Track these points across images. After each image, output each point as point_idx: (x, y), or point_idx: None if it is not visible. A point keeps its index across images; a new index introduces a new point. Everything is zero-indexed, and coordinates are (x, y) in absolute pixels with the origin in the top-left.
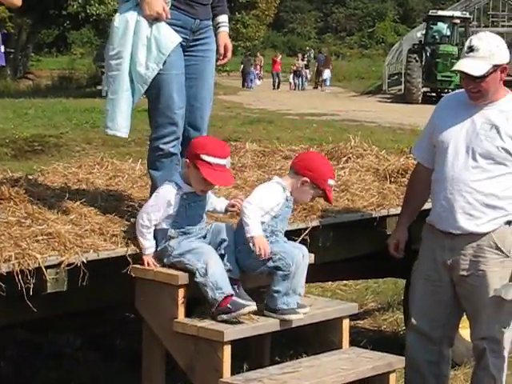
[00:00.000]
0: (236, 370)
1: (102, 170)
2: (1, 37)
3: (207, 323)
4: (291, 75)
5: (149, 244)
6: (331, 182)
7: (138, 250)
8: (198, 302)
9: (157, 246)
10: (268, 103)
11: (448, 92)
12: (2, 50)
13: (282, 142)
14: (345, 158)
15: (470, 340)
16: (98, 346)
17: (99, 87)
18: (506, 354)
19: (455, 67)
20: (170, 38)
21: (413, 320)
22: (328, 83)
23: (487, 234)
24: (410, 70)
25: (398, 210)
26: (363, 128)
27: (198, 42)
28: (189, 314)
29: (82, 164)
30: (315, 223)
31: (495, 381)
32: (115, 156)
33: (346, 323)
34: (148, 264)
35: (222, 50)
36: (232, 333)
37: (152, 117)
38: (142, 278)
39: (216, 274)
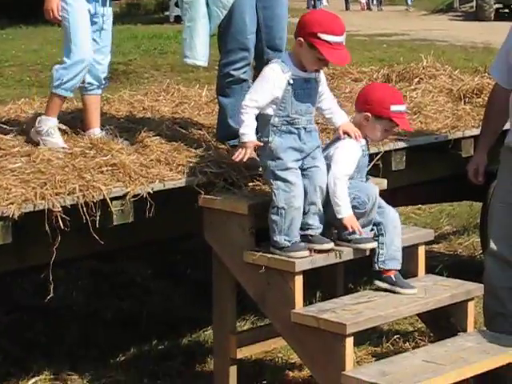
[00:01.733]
0: (309, 299)
1: (168, 97)
2: None
3: (278, 253)
4: None
5: (246, 130)
6: (396, 107)
7: (205, 179)
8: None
9: (262, 131)
10: None
11: None
12: None
13: (352, 63)
14: (417, 79)
15: None
16: (169, 274)
17: (167, 13)
18: None
19: None
20: None
21: (492, 245)
22: (410, 2)
23: None
24: None
25: (474, 132)
26: (434, 47)
27: None
28: (259, 244)
29: (147, 91)
30: (387, 147)
31: None
32: (182, 82)
33: (421, 250)
34: (243, 154)
35: None
36: (303, 263)
37: (222, 42)
38: (210, 207)
39: (293, 220)
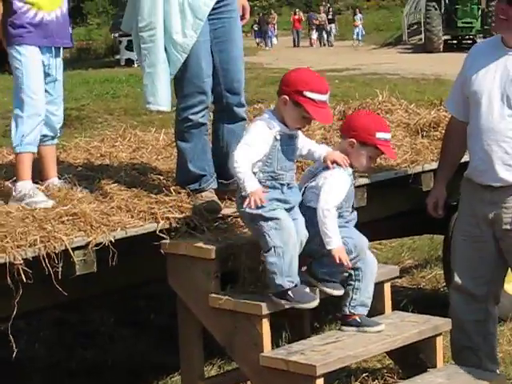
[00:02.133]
0: (275, 340)
1: (124, 143)
2: (68, 17)
3: (244, 297)
4: (313, 31)
5: (252, 180)
6: (381, 135)
7: (167, 225)
8: (232, 274)
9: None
10: (288, 61)
11: (469, 38)
12: (70, 30)
13: None
14: None
15: None
16: (132, 321)
17: (118, 56)
18: None
19: None
20: (203, 2)
21: (456, 279)
22: (360, 37)
23: None
24: (429, 19)
25: (433, 166)
26: (386, 81)
27: (221, 4)
28: (223, 288)
29: (104, 137)
30: None
31: None
32: (139, 126)
33: (387, 287)
34: (256, 201)
35: (240, 12)
36: (271, 305)
37: (179, 86)
38: (174, 253)
39: (292, 258)
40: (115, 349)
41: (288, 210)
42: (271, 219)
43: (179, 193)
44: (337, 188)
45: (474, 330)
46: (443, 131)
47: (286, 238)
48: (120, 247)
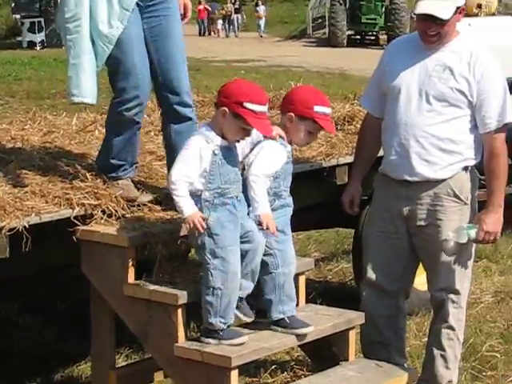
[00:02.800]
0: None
1: (35, 126)
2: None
3: (159, 286)
4: (219, 21)
5: (189, 203)
6: (320, 108)
7: (82, 211)
8: (149, 263)
9: None
10: (193, 51)
11: (373, 35)
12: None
13: (212, 90)
14: None
15: (420, 289)
16: (39, 308)
17: (19, 38)
18: (464, 304)
19: (419, 10)
20: None
21: (369, 275)
22: (262, 28)
23: (444, 180)
24: (334, 14)
25: (348, 160)
26: (291, 73)
27: (157, 1)
28: (138, 277)
29: (12, 120)
30: None
31: (455, 331)
32: (48, 109)
33: (302, 280)
34: (195, 225)
35: (182, 10)
36: (186, 295)
37: (113, 80)
38: (88, 240)
39: (229, 302)
40: (21, 336)
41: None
42: (220, 258)
43: (95, 179)
44: (268, 157)
45: (386, 325)
46: (358, 125)
47: (229, 282)
48: (34, 233)
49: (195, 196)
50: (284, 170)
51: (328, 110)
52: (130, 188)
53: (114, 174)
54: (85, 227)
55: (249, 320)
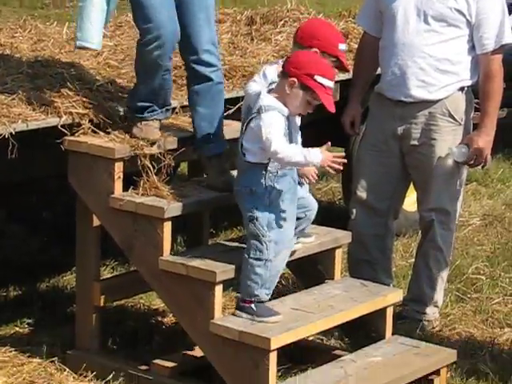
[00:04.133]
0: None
1: (25, 34)
2: None
3: (146, 199)
4: None
5: (304, 153)
6: (342, 46)
7: (70, 120)
8: (136, 176)
9: (254, 180)
10: None
11: None
12: None
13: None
14: (281, 22)
15: (409, 210)
16: (25, 217)
17: None
18: (453, 226)
19: None
20: None
21: (359, 193)
22: None
23: (440, 101)
24: None
25: (339, 77)
26: None
27: None
28: (126, 189)
29: (2, 27)
30: None
31: (442, 253)
32: (39, 18)
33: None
34: (333, 166)
35: None
36: (173, 209)
37: (135, 21)
38: (75, 150)
39: (276, 274)
40: (6, 245)
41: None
42: (275, 229)
43: (84, 88)
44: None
45: (373, 244)
46: (351, 43)
47: (281, 254)
48: (21, 140)
49: (259, 167)
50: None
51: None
52: (150, 129)
53: (140, 115)
54: (72, 137)
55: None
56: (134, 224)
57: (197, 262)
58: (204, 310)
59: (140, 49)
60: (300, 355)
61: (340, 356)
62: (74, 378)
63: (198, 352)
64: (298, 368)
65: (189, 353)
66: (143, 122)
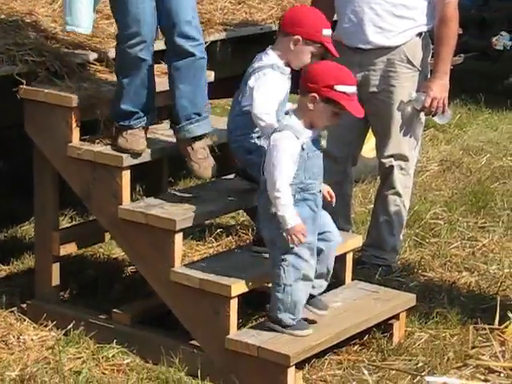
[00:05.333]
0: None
1: None
2: None
3: (104, 148)
4: None
5: (292, 212)
6: (326, 31)
7: (25, 69)
8: (94, 125)
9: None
10: None
11: None
12: None
13: None
14: None
15: (368, 156)
16: None
17: None
18: (412, 172)
19: None
20: None
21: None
22: None
23: (398, 47)
24: None
25: None
26: None
27: None
28: (83, 138)
29: None
30: (213, 37)
31: (401, 198)
32: None
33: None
34: (297, 239)
35: None
36: (131, 158)
37: (113, 12)
38: (32, 99)
39: (300, 300)
40: None
41: None
42: (295, 255)
43: (40, 36)
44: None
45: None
46: None
47: (300, 283)
48: None
49: None
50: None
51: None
52: (136, 140)
53: (124, 123)
54: (28, 86)
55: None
56: (92, 173)
57: (156, 211)
58: (164, 259)
59: (119, 45)
60: (261, 302)
61: None
62: (34, 327)
63: (158, 300)
64: (258, 314)
65: (149, 301)
66: (129, 131)
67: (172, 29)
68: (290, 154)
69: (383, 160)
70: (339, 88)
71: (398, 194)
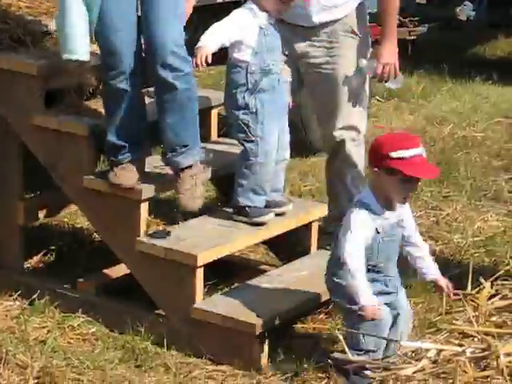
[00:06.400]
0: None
1: None
2: None
3: (68, 117)
4: None
5: (367, 291)
6: (401, 153)
7: None
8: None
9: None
10: None
11: None
12: None
13: None
14: None
15: None
16: None
17: None
18: (363, 142)
19: None
20: None
21: None
22: None
23: (341, 19)
24: None
25: None
26: None
27: None
28: (48, 107)
29: None
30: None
31: (357, 169)
32: None
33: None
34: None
35: None
36: (97, 126)
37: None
38: None
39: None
40: None
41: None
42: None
43: (3, 3)
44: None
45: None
46: None
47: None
48: None
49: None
50: (262, 42)
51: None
52: (125, 175)
53: (113, 158)
54: None
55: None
56: (58, 143)
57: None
58: (129, 229)
59: (102, 73)
60: (227, 271)
61: (266, 271)
62: None
63: (123, 270)
64: (224, 284)
65: (114, 270)
66: (119, 166)
67: (154, 58)
68: (363, 231)
69: (334, 133)
70: (394, 154)
71: (354, 165)
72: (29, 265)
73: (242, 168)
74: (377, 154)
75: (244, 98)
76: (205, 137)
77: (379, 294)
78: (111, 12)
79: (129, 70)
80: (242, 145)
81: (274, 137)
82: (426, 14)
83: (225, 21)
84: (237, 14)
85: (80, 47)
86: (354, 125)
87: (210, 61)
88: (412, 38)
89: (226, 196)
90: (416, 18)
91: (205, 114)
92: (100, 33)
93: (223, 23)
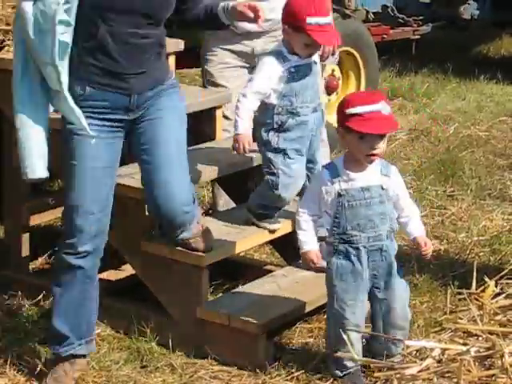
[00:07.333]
0: None
1: None
2: None
3: None
4: None
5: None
6: (312, 19)
7: None
8: None
9: None
10: None
11: None
12: None
13: None
14: None
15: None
16: None
17: None
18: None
19: None
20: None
21: None
22: None
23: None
24: None
25: None
26: None
27: (145, 111)
28: None
29: None
30: None
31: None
32: None
33: (219, 112)
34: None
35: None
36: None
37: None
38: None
39: None
40: None
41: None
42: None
43: (7, 6)
44: (256, 74)
45: None
46: None
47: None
48: None
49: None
50: (291, 86)
51: (324, 20)
52: (62, 379)
53: (53, 346)
54: None
55: (275, 227)
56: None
57: (125, 181)
58: (135, 228)
59: (57, 247)
60: (231, 271)
61: (271, 271)
62: (3, 298)
63: (129, 270)
64: (229, 284)
65: (120, 271)
66: (60, 364)
67: (163, 220)
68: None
69: None
70: (349, 111)
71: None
72: (34, 266)
73: (263, 190)
74: (338, 113)
75: (268, 135)
76: (209, 136)
77: (348, 273)
78: (85, 190)
79: (83, 250)
80: (266, 176)
81: (297, 172)
82: (430, 13)
83: (253, 84)
84: (265, 64)
85: (39, 166)
86: None
87: (251, 145)
88: (416, 37)
89: (230, 196)
90: (420, 17)
91: (209, 113)
92: (69, 205)
93: (250, 95)
